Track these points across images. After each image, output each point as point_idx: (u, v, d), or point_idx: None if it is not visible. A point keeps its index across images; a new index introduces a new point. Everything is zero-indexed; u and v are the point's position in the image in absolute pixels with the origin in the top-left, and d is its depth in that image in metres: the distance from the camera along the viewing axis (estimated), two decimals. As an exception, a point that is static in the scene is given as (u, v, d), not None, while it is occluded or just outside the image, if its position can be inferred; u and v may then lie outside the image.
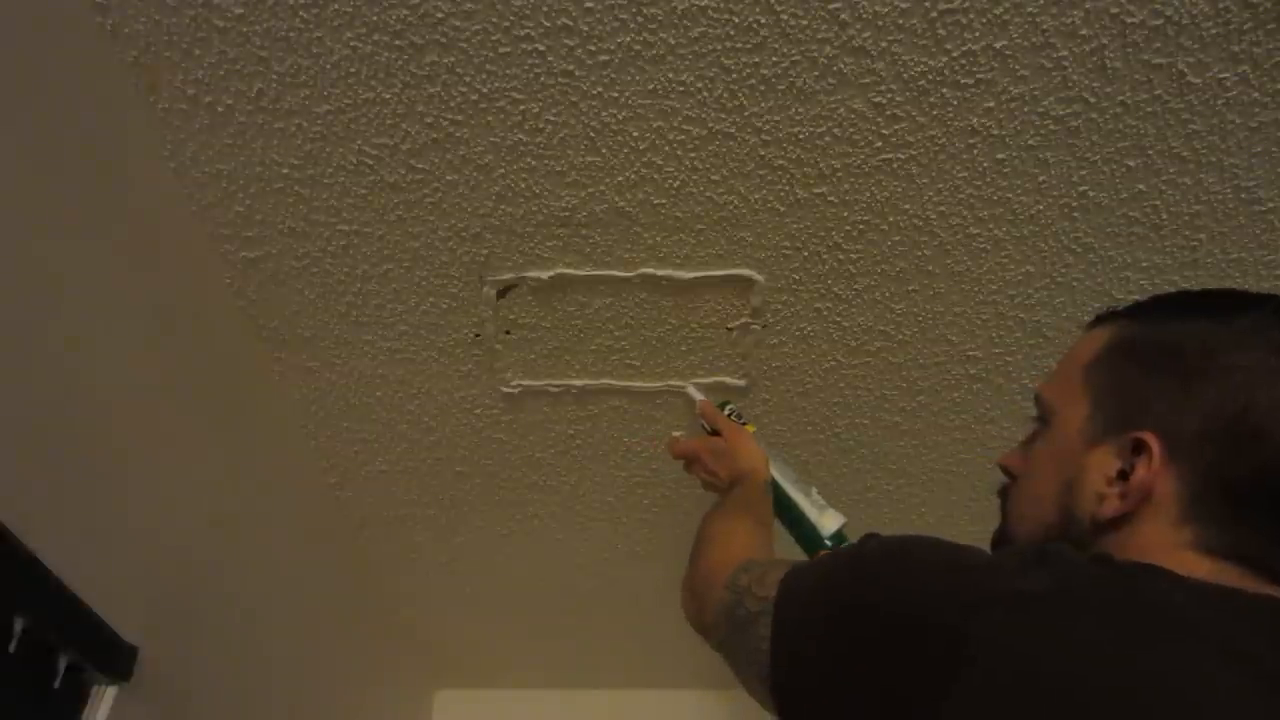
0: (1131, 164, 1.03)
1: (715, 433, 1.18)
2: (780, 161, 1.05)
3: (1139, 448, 0.61)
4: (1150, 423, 0.61)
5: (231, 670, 1.28)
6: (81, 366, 0.94)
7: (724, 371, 1.34)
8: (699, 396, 1.27)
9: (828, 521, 1.05)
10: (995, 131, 1.01)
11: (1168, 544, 0.59)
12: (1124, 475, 0.62)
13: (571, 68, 0.95)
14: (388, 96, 0.98)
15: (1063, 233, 1.12)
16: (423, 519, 1.67)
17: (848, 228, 1.12)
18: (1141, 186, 1.06)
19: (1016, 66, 0.94)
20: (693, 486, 1.53)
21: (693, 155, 1.04)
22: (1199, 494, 0.59)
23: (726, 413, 1.19)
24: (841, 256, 1.16)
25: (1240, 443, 0.57)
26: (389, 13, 0.90)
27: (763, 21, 0.91)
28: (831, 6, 0.89)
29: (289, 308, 1.23)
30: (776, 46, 0.93)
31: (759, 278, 1.19)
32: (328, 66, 0.95)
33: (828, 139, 1.02)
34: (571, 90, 0.97)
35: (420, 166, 1.05)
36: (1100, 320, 0.72)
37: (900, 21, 0.90)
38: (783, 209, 1.10)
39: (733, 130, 1.01)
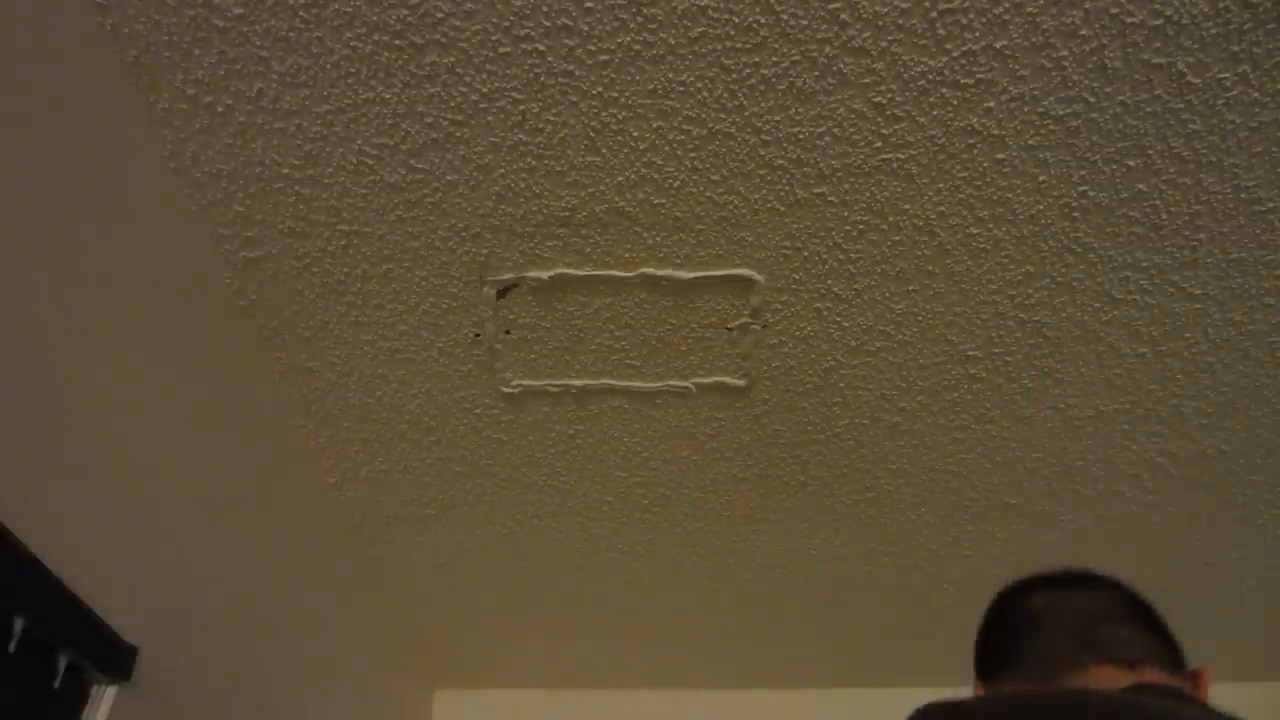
0: (1131, 164, 1.03)
1: None
2: (780, 161, 1.04)
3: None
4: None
5: (231, 670, 1.28)
6: (81, 366, 0.94)
7: (724, 371, 1.34)
8: None
9: None
10: (995, 131, 1.00)
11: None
12: None
13: (571, 68, 0.95)
14: (388, 96, 0.98)
15: (1063, 233, 1.12)
16: (423, 519, 1.67)
17: (848, 228, 1.12)
18: (1141, 186, 1.06)
19: (1016, 66, 0.94)
20: (691, 488, 1.53)
21: (693, 155, 1.04)
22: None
23: None
24: (841, 256, 1.16)
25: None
26: (389, 13, 0.90)
27: (763, 21, 0.91)
28: (831, 6, 0.89)
29: (289, 308, 1.23)
30: (776, 46, 0.93)
31: (759, 278, 1.19)
32: (328, 66, 0.95)
33: (828, 139, 1.02)
34: (571, 90, 0.97)
35: (420, 166, 1.05)
36: None
37: (900, 21, 0.90)
38: (783, 209, 1.10)
39: (733, 130, 1.01)
